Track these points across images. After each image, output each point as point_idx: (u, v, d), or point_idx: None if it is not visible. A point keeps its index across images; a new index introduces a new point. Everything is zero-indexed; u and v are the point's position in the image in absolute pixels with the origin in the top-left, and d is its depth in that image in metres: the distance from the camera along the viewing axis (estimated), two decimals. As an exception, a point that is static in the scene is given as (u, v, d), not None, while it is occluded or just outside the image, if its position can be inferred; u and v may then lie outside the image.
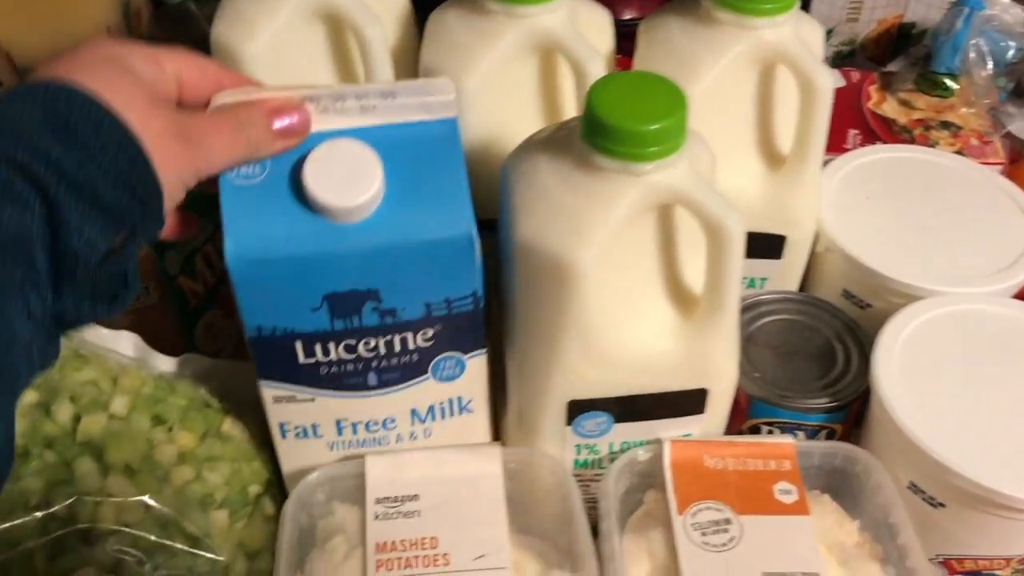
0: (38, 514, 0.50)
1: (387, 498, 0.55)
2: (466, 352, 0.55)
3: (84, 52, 0.43)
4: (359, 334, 0.52)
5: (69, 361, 0.55)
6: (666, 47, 0.62)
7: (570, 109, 0.63)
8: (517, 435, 0.59)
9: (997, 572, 0.58)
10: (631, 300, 0.54)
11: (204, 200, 0.66)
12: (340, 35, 0.64)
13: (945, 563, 0.59)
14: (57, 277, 0.38)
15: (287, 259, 0.48)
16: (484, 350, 0.55)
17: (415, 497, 0.55)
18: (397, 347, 0.53)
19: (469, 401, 0.58)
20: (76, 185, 0.38)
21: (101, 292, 0.41)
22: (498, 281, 0.59)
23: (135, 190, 0.40)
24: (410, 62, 0.67)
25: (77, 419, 0.53)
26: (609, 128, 0.47)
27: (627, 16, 0.88)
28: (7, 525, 0.49)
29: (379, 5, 0.62)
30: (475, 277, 0.51)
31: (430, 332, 0.53)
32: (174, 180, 0.43)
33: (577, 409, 0.56)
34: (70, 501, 0.51)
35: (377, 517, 0.55)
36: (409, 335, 0.53)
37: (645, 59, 0.63)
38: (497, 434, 0.62)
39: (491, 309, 0.58)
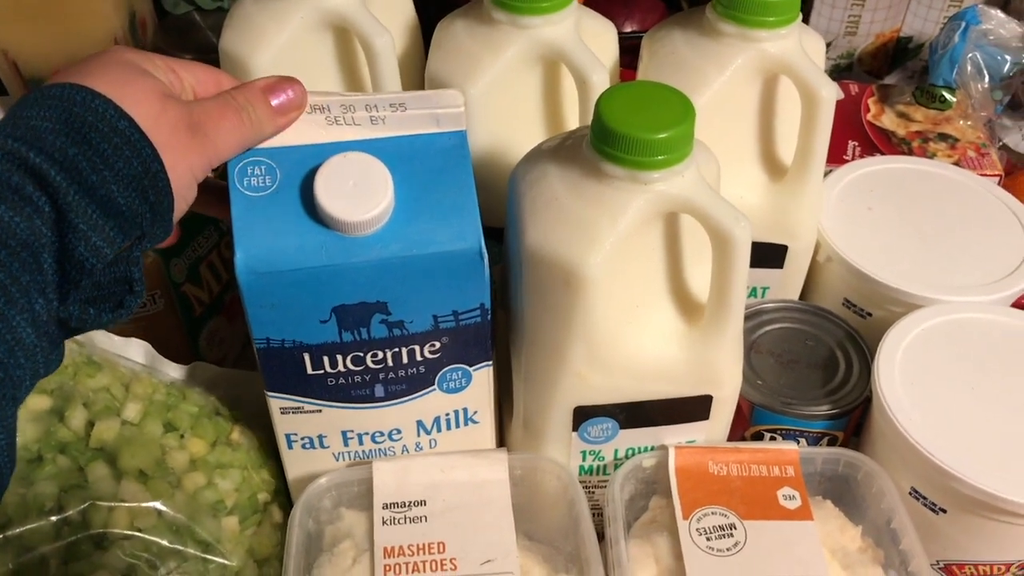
0: (52, 518, 0.50)
1: (394, 503, 0.56)
2: (472, 364, 0.55)
3: (101, 56, 0.43)
4: (367, 346, 0.52)
5: (82, 368, 0.56)
6: (671, 59, 0.63)
7: (573, 119, 0.64)
8: (523, 441, 0.60)
9: (998, 577, 0.59)
10: (637, 307, 0.55)
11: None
12: (348, 45, 0.64)
13: (946, 569, 0.59)
14: (63, 283, 0.38)
15: (297, 271, 0.48)
16: (490, 362, 0.56)
17: (422, 503, 0.56)
18: (404, 359, 0.53)
19: (475, 412, 0.58)
20: (87, 190, 0.38)
21: (106, 298, 0.41)
22: (504, 288, 0.59)
23: (146, 194, 0.40)
24: (415, 71, 0.68)
25: (91, 425, 0.54)
26: (618, 136, 0.48)
27: (628, 29, 0.89)
28: (21, 530, 0.49)
29: (385, 15, 0.63)
30: (483, 290, 0.52)
31: (437, 344, 0.53)
32: (186, 175, 0.43)
33: (583, 415, 0.56)
34: (84, 506, 0.51)
35: (384, 522, 0.55)
36: (416, 347, 0.53)
37: (649, 71, 0.64)
38: (502, 442, 0.62)
39: (497, 318, 0.58)
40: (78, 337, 0.58)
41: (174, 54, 0.83)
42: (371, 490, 0.56)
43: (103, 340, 0.59)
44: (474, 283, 0.51)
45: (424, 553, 0.54)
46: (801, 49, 0.60)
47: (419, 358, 0.54)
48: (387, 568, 0.53)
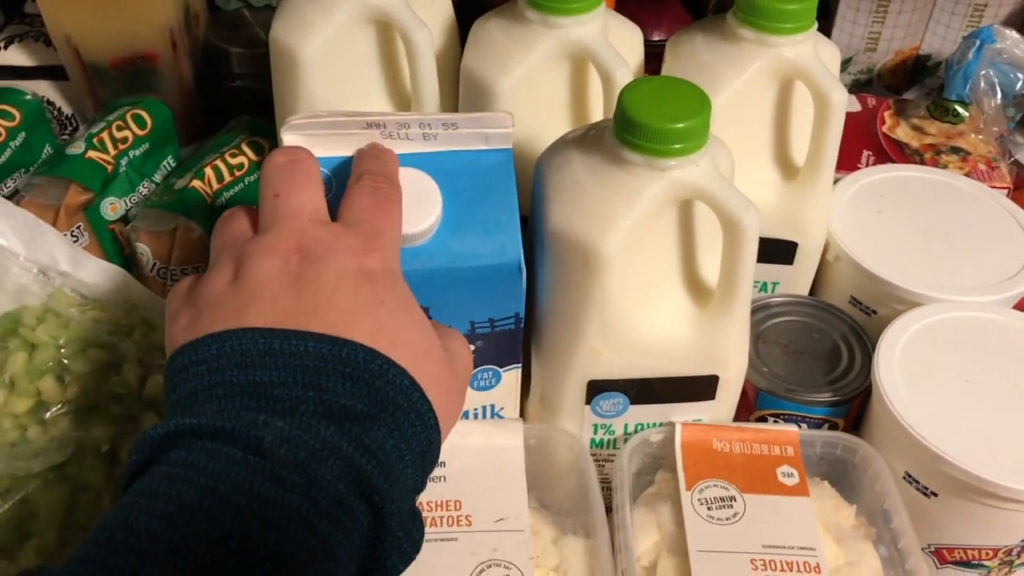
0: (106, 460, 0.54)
1: (416, 464, 0.59)
2: (503, 366, 0.59)
3: (378, 303, 0.40)
4: None
5: (138, 327, 0.60)
6: (692, 61, 0.66)
7: (598, 115, 0.68)
8: (539, 414, 0.63)
9: (986, 562, 0.62)
10: (651, 288, 0.58)
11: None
12: (390, 38, 0.69)
13: (936, 552, 0.62)
14: None
15: None
16: (519, 364, 0.59)
17: (442, 464, 0.59)
18: None
19: (502, 408, 0.62)
20: (402, 491, 0.37)
21: None
22: (528, 270, 0.63)
23: (427, 471, 0.40)
24: (452, 66, 0.72)
25: (143, 380, 0.58)
26: (638, 125, 0.52)
27: (656, 37, 0.92)
28: (79, 467, 0.53)
29: (425, 12, 0.67)
30: (519, 300, 0.55)
31: (472, 347, 0.57)
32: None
33: (596, 389, 0.60)
34: None
35: (406, 481, 0.59)
36: None
37: (672, 71, 0.68)
38: (522, 414, 0.66)
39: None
40: (132, 299, 0.62)
41: (223, 47, 0.88)
42: (395, 451, 0.60)
43: (158, 303, 0.64)
44: (512, 294, 0.55)
45: (442, 510, 0.57)
46: (815, 55, 0.64)
47: None
48: (407, 522, 0.57)
